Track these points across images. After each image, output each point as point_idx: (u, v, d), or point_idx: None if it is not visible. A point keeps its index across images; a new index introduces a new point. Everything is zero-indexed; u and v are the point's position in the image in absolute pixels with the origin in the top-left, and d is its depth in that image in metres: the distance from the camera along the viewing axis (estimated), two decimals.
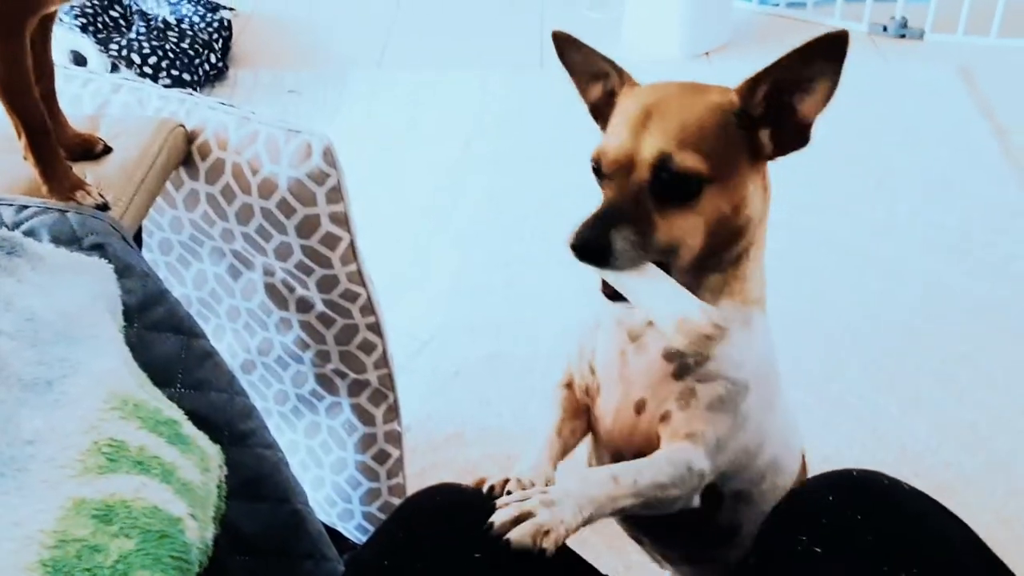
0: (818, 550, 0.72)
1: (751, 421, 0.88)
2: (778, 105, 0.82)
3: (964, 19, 3.03)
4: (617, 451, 0.92)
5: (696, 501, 0.86)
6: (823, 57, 0.80)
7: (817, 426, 1.76)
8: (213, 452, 0.71)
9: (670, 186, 0.79)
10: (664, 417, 0.87)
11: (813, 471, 1.66)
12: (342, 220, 1.08)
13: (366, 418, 1.27)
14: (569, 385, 0.96)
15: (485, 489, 0.79)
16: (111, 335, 0.69)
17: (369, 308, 1.18)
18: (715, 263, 0.85)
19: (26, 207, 0.84)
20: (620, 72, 0.88)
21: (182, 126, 1.08)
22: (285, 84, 3.00)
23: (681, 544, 1.02)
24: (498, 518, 0.71)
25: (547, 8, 3.52)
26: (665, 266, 0.81)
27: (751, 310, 0.89)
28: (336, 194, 1.06)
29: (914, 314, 2.01)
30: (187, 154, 1.09)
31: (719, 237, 0.82)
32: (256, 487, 0.93)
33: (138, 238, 1.09)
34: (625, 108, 0.83)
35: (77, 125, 1.05)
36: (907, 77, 2.92)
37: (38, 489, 0.54)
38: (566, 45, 0.90)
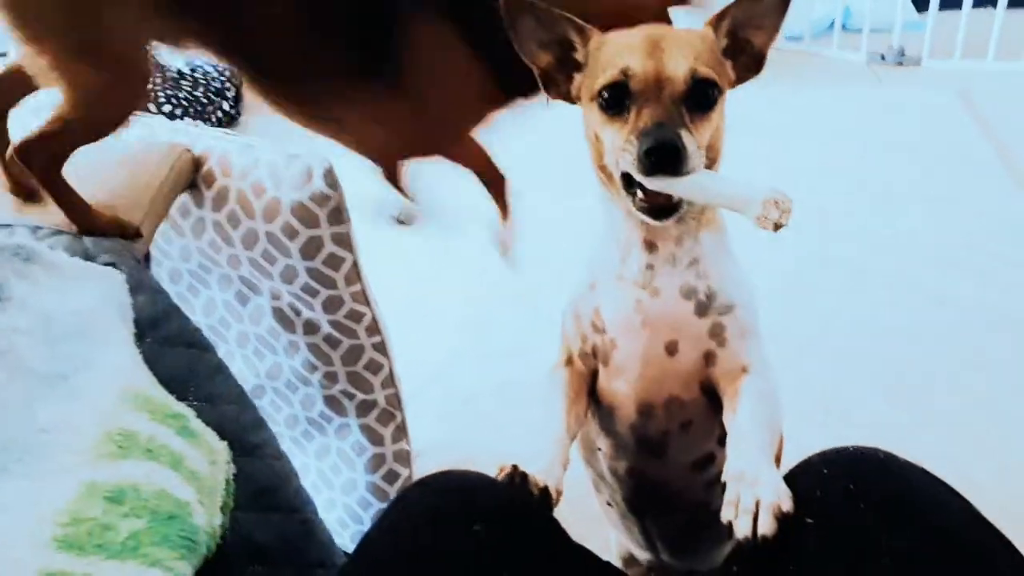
0: (810, 521, 0.72)
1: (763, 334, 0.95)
2: (736, 39, 0.90)
3: (961, 44, 3.07)
4: (645, 401, 0.95)
5: None
6: None
7: (829, 441, 1.75)
8: (220, 448, 0.74)
9: (700, 96, 0.84)
10: (708, 358, 0.92)
11: None
12: (345, 241, 1.11)
13: (375, 438, 1.30)
14: (569, 362, 0.98)
15: (502, 476, 0.82)
16: (122, 336, 0.72)
17: (375, 328, 1.21)
18: None
19: (40, 228, 0.89)
20: (582, 28, 0.91)
21: (189, 151, 1.12)
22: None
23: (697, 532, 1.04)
24: (741, 532, 0.72)
25: None
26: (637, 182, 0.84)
27: (722, 236, 0.95)
28: (338, 215, 1.09)
29: (921, 325, 2.03)
30: (194, 178, 1.13)
31: (711, 154, 0.87)
32: (268, 498, 0.96)
33: (147, 264, 1.13)
34: (620, 44, 0.87)
35: (89, 158, 1.09)
36: (907, 102, 2.96)
37: (53, 473, 0.57)
38: (522, 10, 0.90)
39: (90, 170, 1.09)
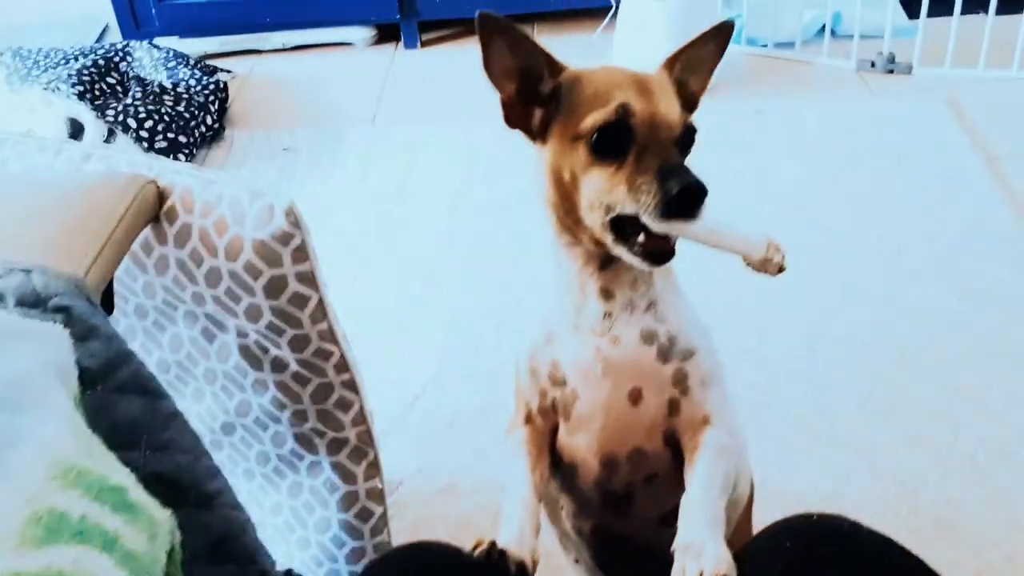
0: None
1: (725, 379, 0.94)
2: (680, 83, 0.91)
3: (951, 51, 3.04)
4: (608, 453, 0.92)
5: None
6: (714, 42, 0.92)
7: (814, 464, 1.74)
8: (163, 518, 0.70)
9: (688, 142, 0.85)
10: (672, 407, 0.90)
11: (812, 510, 1.64)
12: (309, 279, 1.08)
13: (347, 476, 1.27)
14: (528, 420, 0.96)
15: (478, 553, 0.80)
16: (58, 402, 0.69)
17: (343, 365, 1.18)
18: None
19: None
20: (553, 61, 0.88)
21: (154, 182, 1.08)
22: (281, 143, 3.03)
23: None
24: None
25: None
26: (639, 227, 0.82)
27: (672, 278, 0.93)
28: (301, 254, 1.06)
29: (908, 345, 2.00)
30: (158, 211, 1.09)
31: None
32: (224, 548, 0.93)
33: (109, 300, 1.10)
34: (606, 81, 0.85)
35: (45, 185, 1.06)
36: (897, 111, 2.93)
37: None
38: (498, 30, 0.86)
39: (46, 199, 1.06)
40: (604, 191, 0.82)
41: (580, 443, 0.93)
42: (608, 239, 0.84)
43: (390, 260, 2.45)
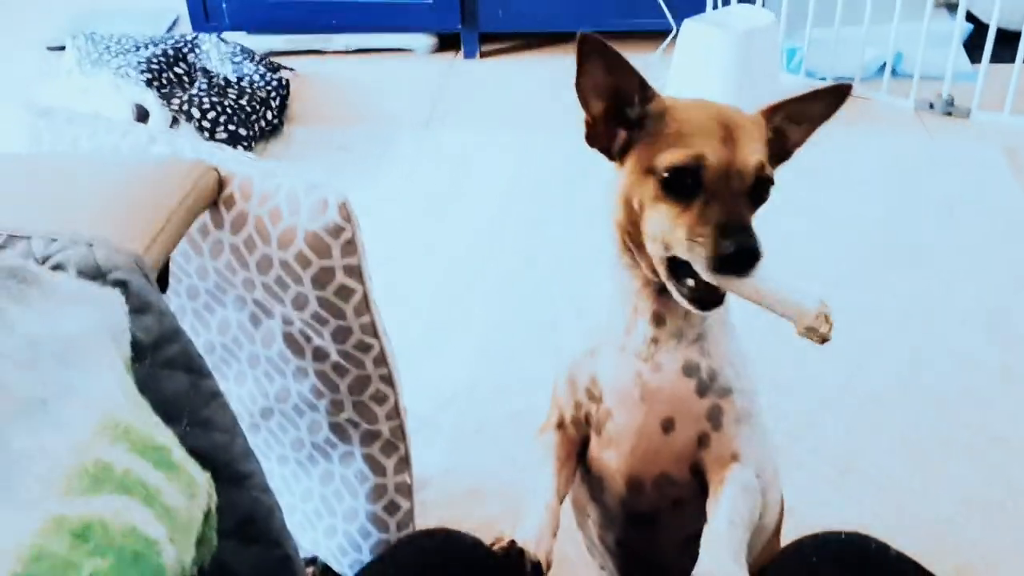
0: None
1: (761, 423, 0.94)
2: (777, 132, 0.91)
3: (1011, 99, 3.02)
4: (635, 476, 0.94)
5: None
6: (826, 100, 0.92)
7: (841, 498, 1.74)
8: (202, 480, 0.74)
9: (760, 193, 0.85)
10: (702, 440, 0.91)
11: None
12: (356, 272, 1.12)
13: (377, 468, 1.30)
14: (560, 425, 0.97)
15: (497, 547, 0.82)
16: (111, 362, 0.73)
17: (382, 360, 1.21)
18: None
19: (55, 240, 0.90)
20: (646, 86, 0.88)
21: (215, 169, 1.12)
22: (336, 142, 3.09)
23: None
24: None
25: None
26: (691, 271, 0.83)
27: (726, 315, 0.94)
28: (351, 247, 1.09)
29: (945, 388, 1.99)
30: (216, 198, 1.13)
31: None
32: (250, 529, 0.96)
33: (164, 280, 1.14)
34: (692, 121, 0.85)
35: (111, 165, 1.10)
36: (952, 154, 2.92)
37: (21, 505, 0.58)
38: (597, 51, 0.86)
39: (112, 177, 1.10)
40: (666, 229, 0.83)
41: (609, 460, 0.95)
42: (662, 273, 0.86)
43: (431, 264, 2.49)
